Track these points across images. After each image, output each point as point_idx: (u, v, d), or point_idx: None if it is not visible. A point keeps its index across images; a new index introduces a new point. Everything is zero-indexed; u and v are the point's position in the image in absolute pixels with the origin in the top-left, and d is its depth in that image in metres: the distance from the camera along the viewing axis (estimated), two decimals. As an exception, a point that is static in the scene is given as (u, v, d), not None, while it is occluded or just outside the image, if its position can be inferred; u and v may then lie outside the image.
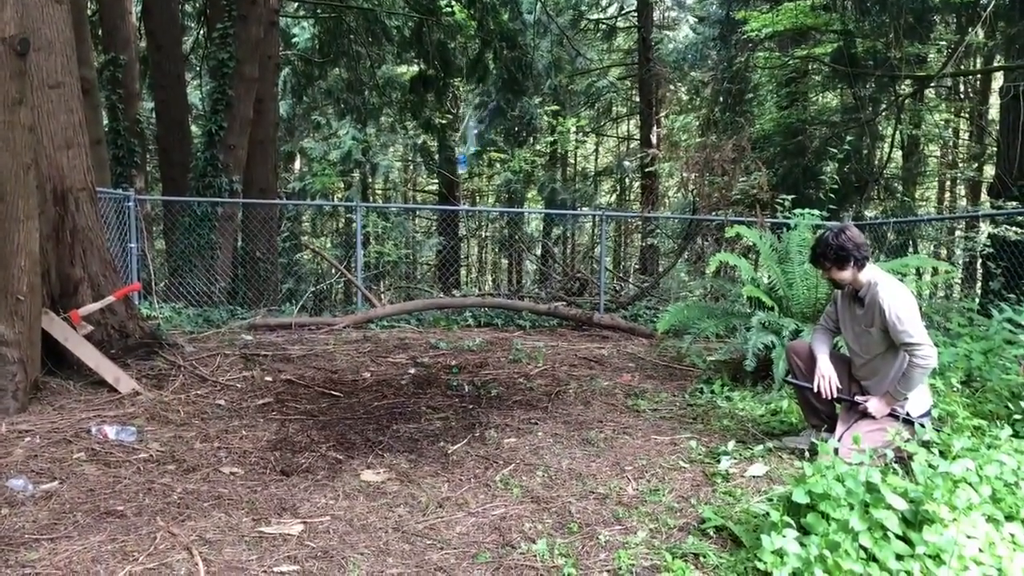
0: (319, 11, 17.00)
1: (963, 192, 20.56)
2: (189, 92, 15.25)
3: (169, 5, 12.37)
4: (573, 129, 22.80)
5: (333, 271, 12.36)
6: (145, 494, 3.50)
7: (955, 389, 4.74)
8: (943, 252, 15.07)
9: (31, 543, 2.95)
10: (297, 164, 22.78)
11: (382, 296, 12.04)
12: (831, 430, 4.14)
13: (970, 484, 3.04)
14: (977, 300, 8.54)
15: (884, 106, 14.60)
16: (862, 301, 4.04)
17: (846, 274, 4.01)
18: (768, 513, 3.05)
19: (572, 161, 27.83)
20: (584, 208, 21.15)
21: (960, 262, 12.92)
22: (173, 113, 12.44)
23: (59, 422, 4.47)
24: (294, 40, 17.95)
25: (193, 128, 14.61)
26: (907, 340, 3.82)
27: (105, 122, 11.59)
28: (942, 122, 17.81)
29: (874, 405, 3.98)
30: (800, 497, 2.90)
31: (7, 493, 3.43)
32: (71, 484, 3.59)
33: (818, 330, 4.36)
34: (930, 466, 3.09)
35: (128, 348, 5.77)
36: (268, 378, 5.85)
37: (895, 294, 3.89)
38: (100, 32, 12.75)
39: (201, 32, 16.48)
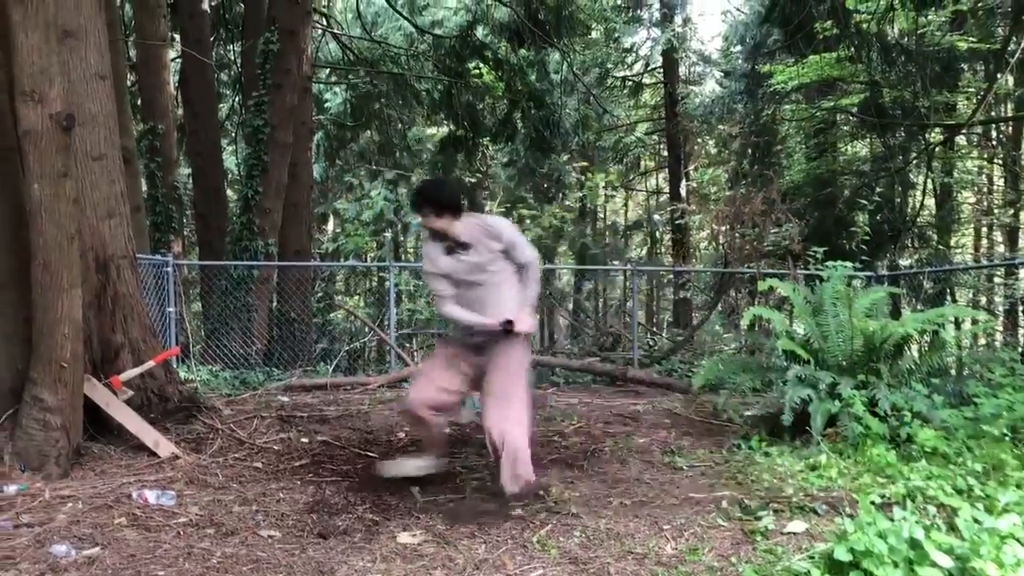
0: (351, 77, 17.41)
1: (1000, 239, 20.34)
2: (225, 158, 15.61)
3: (206, 75, 12.75)
4: (602, 184, 22.95)
5: (366, 330, 12.45)
6: (185, 559, 3.52)
7: (1001, 440, 4.65)
8: (982, 300, 14.87)
9: (74, 610, 2.98)
10: (330, 225, 23.14)
11: (415, 354, 12.09)
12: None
13: (1017, 540, 2.97)
14: (1020, 349, 8.39)
15: (914, 155, 14.56)
16: (466, 245, 4.24)
17: (443, 223, 4.24)
18: (810, 571, 3.00)
19: (602, 215, 27.98)
20: (615, 262, 21.19)
21: (1000, 310, 12.73)
22: (210, 179, 12.73)
23: (100, 487, 4.52)
24: (327, 105, 18.39)
25: (229, 193, 14.94)
26: (528, 256, 4.33)
27: (144, 189, 11.88)
28: (975, 169, 17.71)
29: (524, 322, 4.24)
30: (842, 555, 2.86)
31: (50, 559, 3.47)
32: (113, 549, 3.62)
33: (449, 303, 4.41)
34: (976, 521, 3.04)
35: (167, 412, 5.84)
36: (304, 440, 5.89)
37: (500, 219, 4.34)
38: (139, 102, 13.15)
39: (236, 100, 16.93)
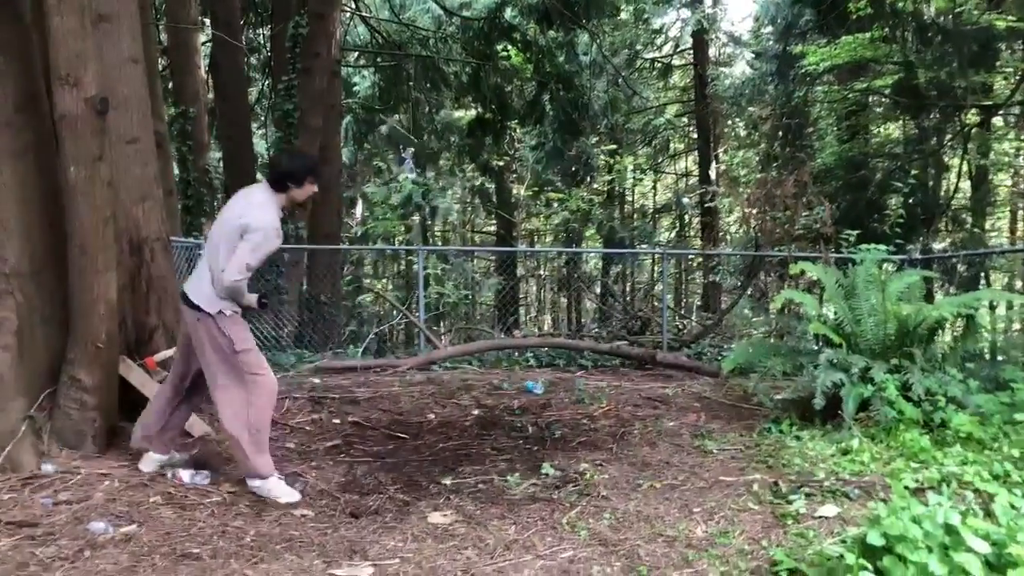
0: (379, 60, 17.42)
1: (1037, 221, 20.00)
2: (255, 142, 15.69)
3: (236, 59, 12.80)
4: (630, 167, 22.80)
5: (395, 313, 12.51)
6: (219, 537, 3.58)
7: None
8: (1018, 284, 14.64)
9: (112, 585, 3.04)
10: (359, 209, 23.18)
11: (443, 337, 12.13)
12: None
13: (1056, 526, 2.93)
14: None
15: (949, 136, 14.30)
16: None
17: None
18: (842, 555, 2.97)
19: (630, 199, 27.81)
20: (643, 246, 21.04)
21: (1035, 294, 12.48)
22: (240, 163, 12.81)
23: (135, 466, 4.59)
24: (355, 88, 18.41)
25: (259, 176, 15.00)
26: None
27: (176, 172, 11.96)
28: (1011, 151, 17.39)
29: None
30: (875, 539, 2.83)
31: (88, 536, 3.54)
32: (149, 527, 3.68)
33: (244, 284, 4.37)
34: (1012, 507, 3.00)
35: (200, 393, 5.91)
36: (336, 421, 5.94)
37: None
38: (170, 86, 13.25)
39: (266, 84, 17.00)
